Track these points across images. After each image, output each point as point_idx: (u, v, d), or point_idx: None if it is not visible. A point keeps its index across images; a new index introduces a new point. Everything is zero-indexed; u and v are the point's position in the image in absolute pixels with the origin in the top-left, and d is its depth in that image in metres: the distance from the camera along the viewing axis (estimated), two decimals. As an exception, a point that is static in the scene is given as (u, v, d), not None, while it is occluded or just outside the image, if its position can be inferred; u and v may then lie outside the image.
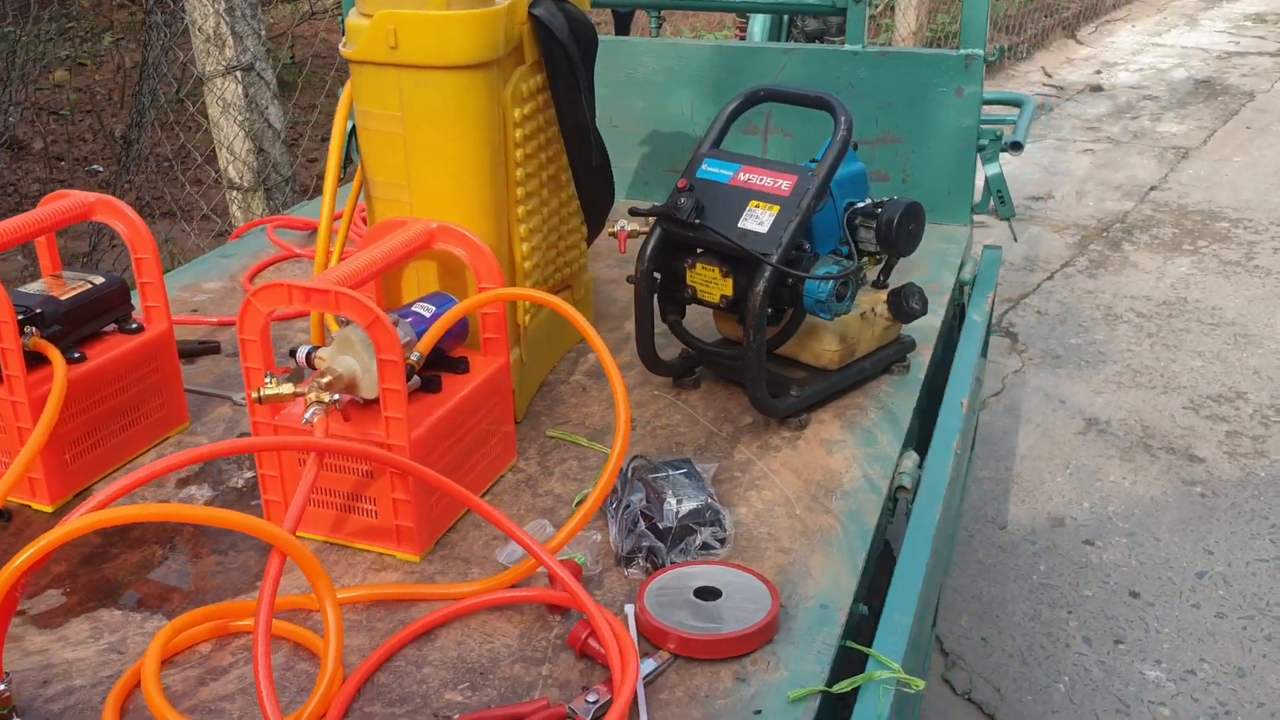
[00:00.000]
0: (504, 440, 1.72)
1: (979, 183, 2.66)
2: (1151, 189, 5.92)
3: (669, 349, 1.97)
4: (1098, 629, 2.83)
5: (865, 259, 1.94)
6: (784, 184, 1.75)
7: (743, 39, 3.90)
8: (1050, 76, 8.27)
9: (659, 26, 2.94)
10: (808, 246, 1.78)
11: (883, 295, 1.91)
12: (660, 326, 1.90)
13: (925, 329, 2.17)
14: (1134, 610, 2.89)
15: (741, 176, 1.79)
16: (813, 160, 1.83)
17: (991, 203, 2.65)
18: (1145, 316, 4.45)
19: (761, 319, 1.70)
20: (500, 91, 1.71)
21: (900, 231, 1.82)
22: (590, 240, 2.10)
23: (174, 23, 3.99)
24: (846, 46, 2.60)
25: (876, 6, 7.11)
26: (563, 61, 1.78)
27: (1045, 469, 3.48)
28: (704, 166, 1.83)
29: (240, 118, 3.66)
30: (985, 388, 3.95)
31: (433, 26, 1.61)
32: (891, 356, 1.97)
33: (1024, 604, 2.92)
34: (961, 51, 2.51)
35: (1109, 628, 2.83)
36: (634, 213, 1.82)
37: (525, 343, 1.89)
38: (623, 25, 3.27)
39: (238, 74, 3.58)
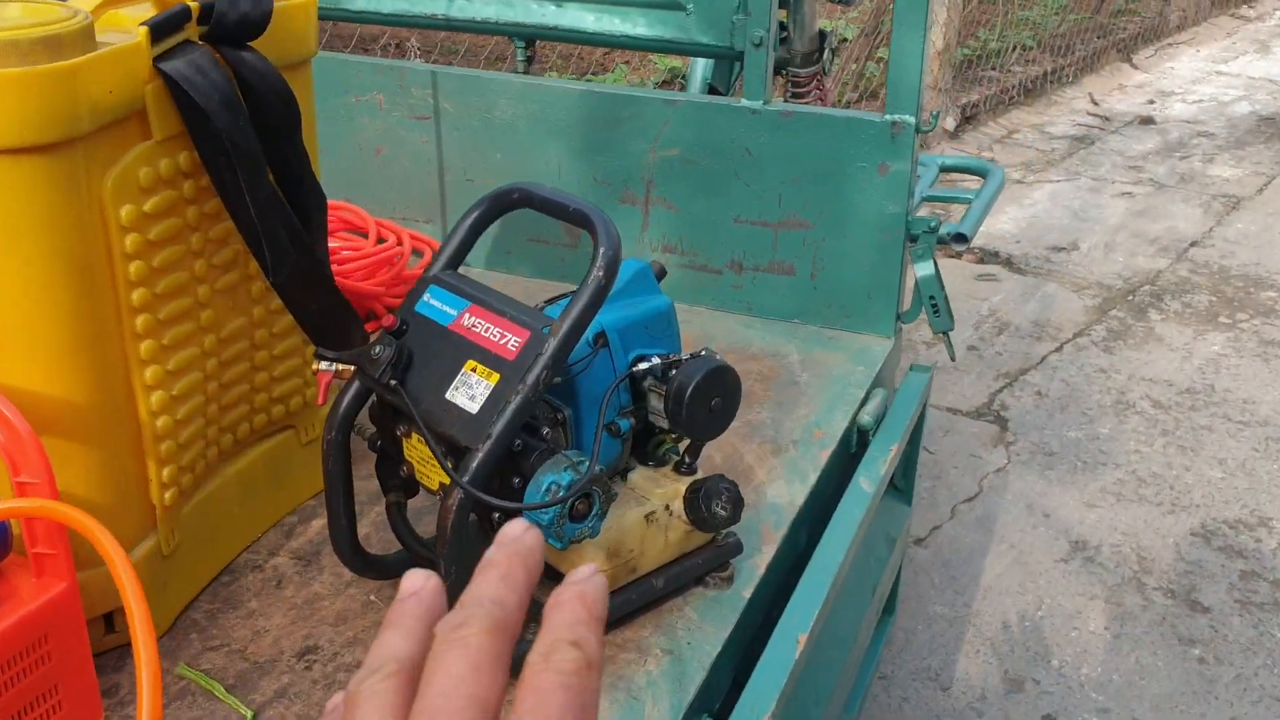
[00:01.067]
0: (75, 700, 1.16)
1: (910, 283, 2.07)
2: (1192, 245, 5.23)
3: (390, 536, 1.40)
4: None
5: (661, 438, 1.36)
6: (512, 341, 1.17)
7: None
8: (1097, 105, 7.55)
9: (528, 62, 2.37)
10: (548, 430, 1.20)
11: (683, 486, 1.33)
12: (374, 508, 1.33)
13: (779, 507, 1.58)
14: (1091, 828, 2.28)
15: (465, 320, 1.22)
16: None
17: (924, 311, 2.05)
18: (1162, 407, 3.80)
19: (458, 547, 1.13)
20: (85, 184, 1.15)
21: (694, 408, 1.24)
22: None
23: None
24: (744, 102, 2.00)
25: (843, 40, 6.40)
26: (210, 139, 1.22)
27: (1012, 608, 2.87)
28: (427, 298, 1.26)
29: None
30: (958, 490, 3.34)
31: (-57, 91, 1.06)
32: (703, 565, 1.39)
33: (952, 807, 2.32)
34: (887, 117, 1.91)
35: None
36: (319, 357, 1.26)
37: (172, 526, 1.33)
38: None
39: None
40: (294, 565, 1.47)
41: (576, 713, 0.38)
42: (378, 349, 1.20)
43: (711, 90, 3.07)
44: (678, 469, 1.35)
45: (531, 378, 1.13)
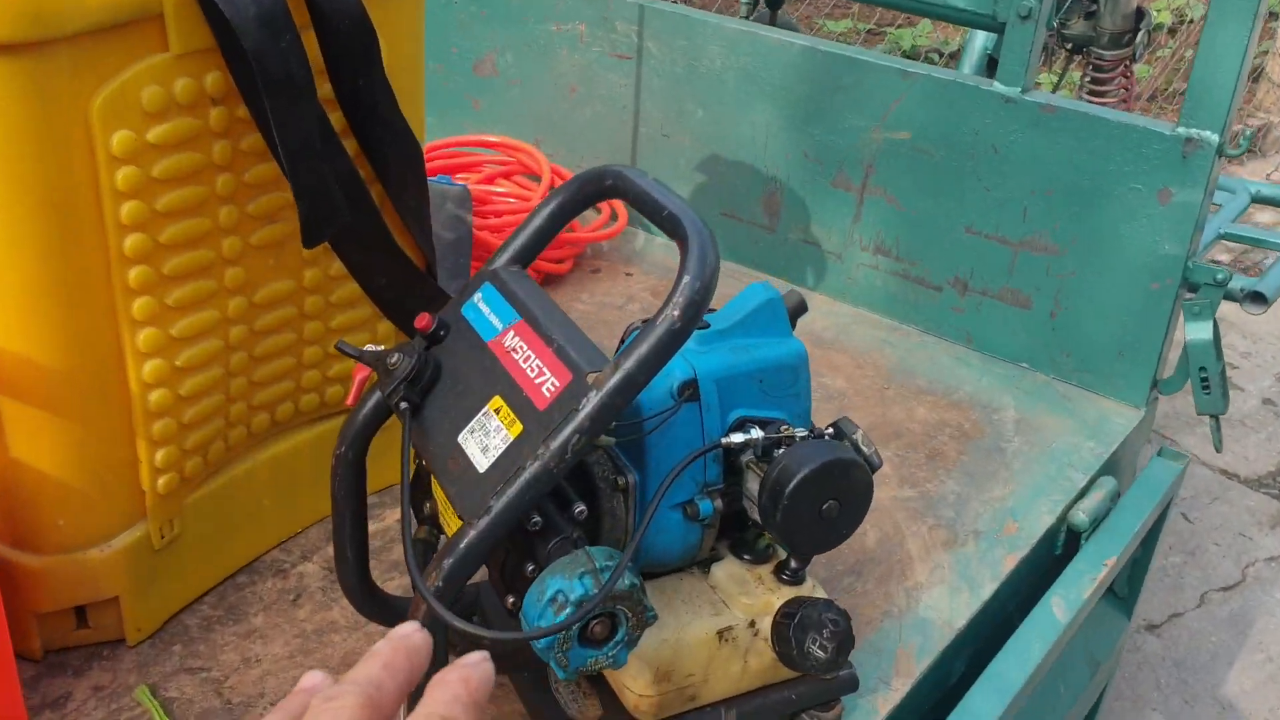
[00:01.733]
0: (-16, 717, 0.96)
1: (1177, 344, 1.61)
2: None
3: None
4: None
5: (763, 538, 1.02)
6: (549, 383, 0.86)
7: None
8: None
9: (753, 6, 2.00)
10: (580, 509, 0.88)
11: (778, 600, 0.99)
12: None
13: (931, 625, 1.21)
14: None
15: (508, 340, 0.91)
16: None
17: (1189, 383, 1.60)
18: None
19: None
20: (67, 100, 0.91)
21: (795, 509, 0.89)
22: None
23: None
24: (997, 86, 1.59)
25: (1161, 28, 5.50)
26: (241, 60, 0.96)
27: (1251, 739, 2.35)
28: (477, 299, 0.96)
29: None
30: (1214, 574, 2.80)
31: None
32: (798, 701, 1.05)
33: None
34: (1180, 130, 1.46)
35: None
36: (340, 349, 0.98)
37: (169, 516, 1.11)
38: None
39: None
40: (322, 577, 1.23)
41: None
42: (396, 357, 0.92)
43: (990, 65, 2.61)
44: (779, 573, 1.01)
45: (557, 443, 0.81)
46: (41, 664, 1.12)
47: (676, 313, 0.81)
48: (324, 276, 1.16)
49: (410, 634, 0.49)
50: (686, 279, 0.82)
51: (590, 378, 0.83)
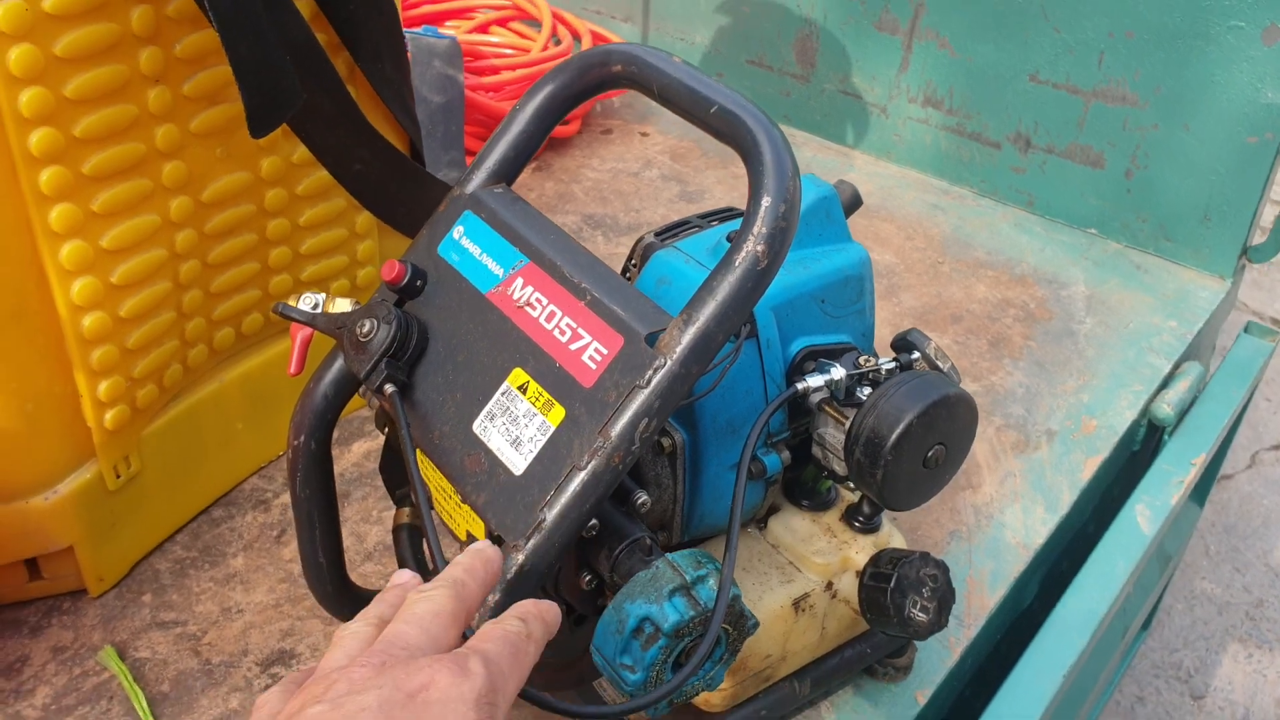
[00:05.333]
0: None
1: (1269, 210, 1.42)
2: None
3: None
4: None
5: (825, 481, 0.85)
6: (593, 350, 0.67)
7: None
8: None
9: None
10: (643, 500, 0.70)
11: (856, 554, 0.83)
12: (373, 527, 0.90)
13: (1004, 547, 1.06)
14: None
15: (516, 289, 0.72)
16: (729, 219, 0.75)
17: (1285, 250, 1.41)
18: None
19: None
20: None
21: (900, 463, 0.72)
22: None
23: None
24: (1073, -96, 1.36)
25: None
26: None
27: (1306, 605, 2.24)
28: (456, 234, 0.77)
29: None
30: (1267, 432, 2.65)
31: None
32: (872, 654, 0.90)
33: None
34: (1295, -45, 1.24)
35: None
36: (280, 313, 0.79)
37: (123, 452, 0.95)
38: None
39: None
40: (309, 510, 1.08)
41: (509, 655, 0.49)
42: (369, 324, 0.73)
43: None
44: (849, 520, 0.85)
45: (619, 431, 0.63)
46: (-8, 621, 0.98)
47: (761, 247, 0.63)
48: (286, 165, 0.97)
49: (484, 548, 0.56)
50: (767, 201, 0.63)
51: (652, 339, 0.64)
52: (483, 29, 1.69)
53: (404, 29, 1.04)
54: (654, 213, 1.54)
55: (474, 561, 0.55)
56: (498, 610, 0.63)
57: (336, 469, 1.03)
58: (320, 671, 0.48)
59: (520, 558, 0.63)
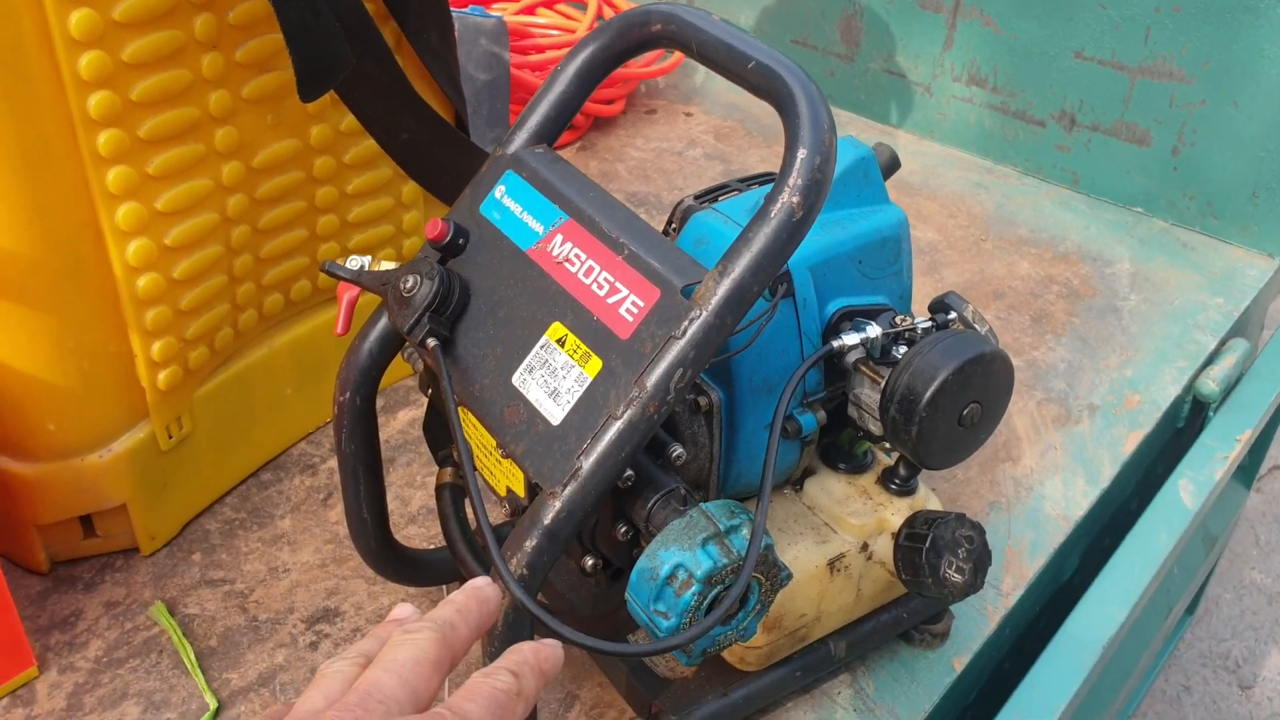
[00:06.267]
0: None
1: (1325, 184, 1.40)
2: None
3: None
4: None
5: (862, 444, 0.86)
6: (630, 302, 0.68)
7: None
8: None
9: None
10: (678, 453, 0.71)
11: (892, 516, 0.84)
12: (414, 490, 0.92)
13: (1044, 519, 1.06)
14: None
15: (555, 246, 0.74)
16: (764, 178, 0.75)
17: (1336, 228, 1.39)
18: None
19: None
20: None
21: (935, 422, 0.73)
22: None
23: None
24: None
25: None
26: None
27: (1358, 597, 2.21)
28: (499, 193, 0.78)
29: None
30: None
31: None
32: (908, 619, 0.91)
33: None
34: (1349, -76, 1.23)
35: None
36: (327, 270, 0.81)
37: (176, 413, 0.98)
38: None
39: None
40: (355, 474, 1.10)
41: (495, 714, 0.47)
42: (411, 280, 0.74)
43: None
44: (887, 482, 0.85)
45: (654, 380, 0.64)
46: (50, 577, 1.01)
47: (796, 199, 0.63)
48: (334, 133, 0.99)
49: (482, 587, 0.54)
50: (802, 153, 0.64)
51: (688, 291, 0.66)
52: (529, 10, 1.71)
53: (451, 8, 1.06)
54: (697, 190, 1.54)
55: (469, 601, 0.53)
56: (535, 557, 0.65)
57: (382, 436, 1.05)
58: (295, 714, 0.47)
59: (557, 504, 0.65)
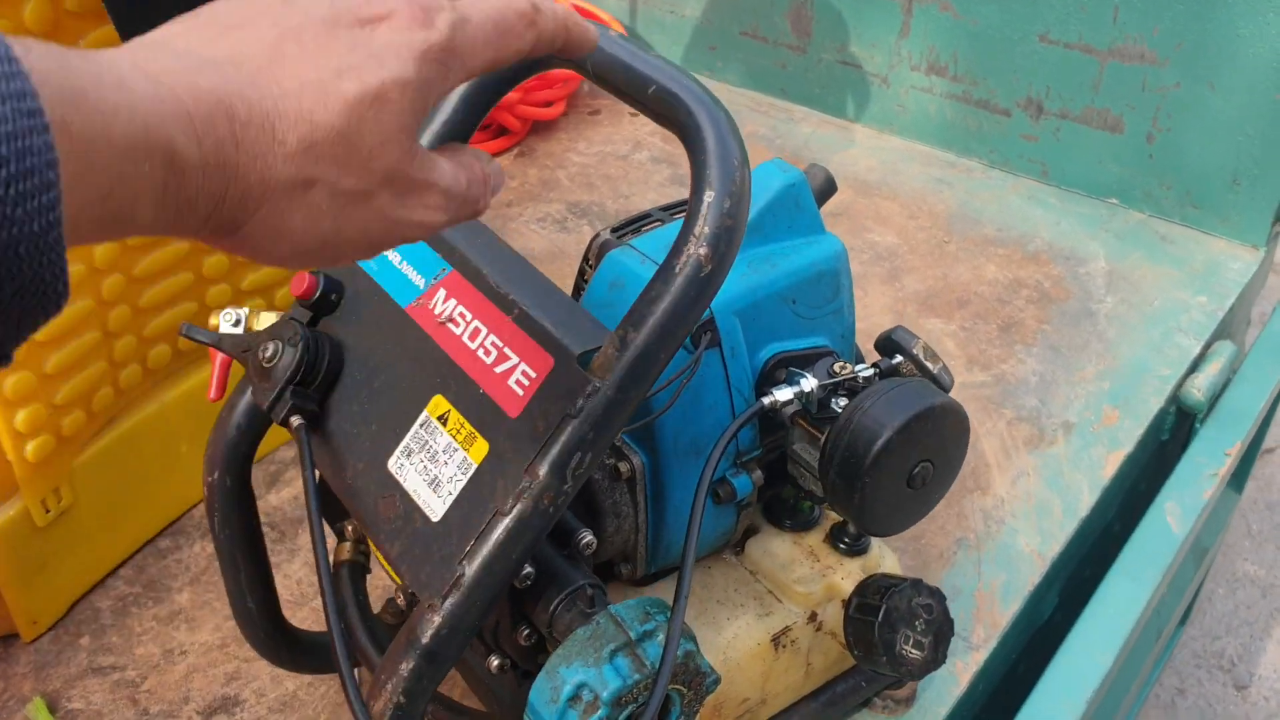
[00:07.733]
0: None
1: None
2: None
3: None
4: None
5: (793, 490, 0.76)
6: (519, 373, 0.58)
7: None
8: None
9: None
10: (584, 539, 0.61)
11: (842, 580, 0.74)
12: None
13: (1019, 557, 0.97)
14: None
15: (437, 302, 0.64)
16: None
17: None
18: None
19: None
20: None
21: (878, 484, 0.63)
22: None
23: None
24: None
25: None
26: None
27: (1355, 587, 2.13)
28: None
29: None
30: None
31: None
32: (869, 688, 0.81)
33: None
34: (1328, -110, 1.13)
35: None
36: (185, 334, 0.70)
37: (52, 484, 0.88)
38: None
39: None
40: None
41: (491, 31, 0.43)
42: (272, 347, 0.64)
43: None
44: (835, 542, 0.76)
45: (547, 469, 0.54)
46: (-79, 669, 0.91)
47: (704, 250, 0.53)
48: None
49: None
50: (709, 196, 0.54)
51: (586, 360, 0.56)
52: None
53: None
54: (643, 198, 1.45)
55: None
56: (413, 683, 0.55)
57: (283, 496, 0.95)
58: None
59: (437, 620, 0.55)
